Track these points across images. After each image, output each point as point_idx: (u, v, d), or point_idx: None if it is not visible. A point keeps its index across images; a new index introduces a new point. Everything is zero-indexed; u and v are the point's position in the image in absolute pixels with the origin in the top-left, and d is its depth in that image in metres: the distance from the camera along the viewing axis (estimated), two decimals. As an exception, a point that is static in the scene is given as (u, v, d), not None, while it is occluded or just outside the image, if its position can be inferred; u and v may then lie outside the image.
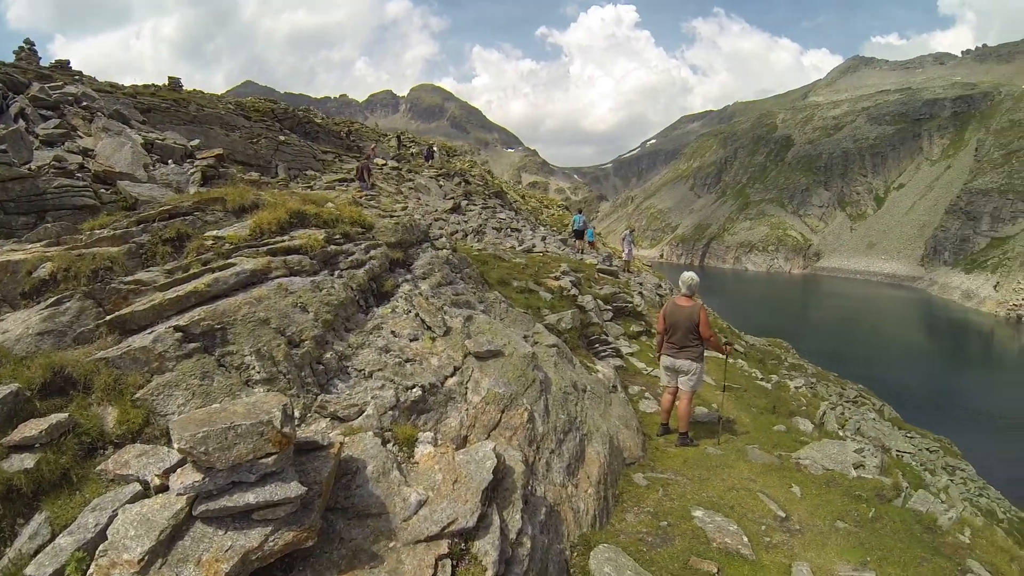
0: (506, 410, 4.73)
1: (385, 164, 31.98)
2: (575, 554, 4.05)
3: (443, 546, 3.05)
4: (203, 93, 36.19)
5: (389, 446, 3.60)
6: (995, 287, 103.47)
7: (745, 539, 4.82)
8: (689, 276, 7.66)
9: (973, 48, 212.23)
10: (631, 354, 11.27)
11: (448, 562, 3.01)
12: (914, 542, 5.56)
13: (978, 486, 18.50)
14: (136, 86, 30.11)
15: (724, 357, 8.38)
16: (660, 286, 23.69)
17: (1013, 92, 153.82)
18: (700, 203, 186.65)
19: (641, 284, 21.19)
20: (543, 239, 25.36)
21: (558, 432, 5.11)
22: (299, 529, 2.65)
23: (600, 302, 13.05)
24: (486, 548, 3.13)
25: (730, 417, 8.79)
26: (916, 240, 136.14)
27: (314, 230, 5.78)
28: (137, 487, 2.93)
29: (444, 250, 7.53)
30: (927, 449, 19.48)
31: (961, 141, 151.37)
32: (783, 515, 5.57)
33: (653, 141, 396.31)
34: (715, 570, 4.25)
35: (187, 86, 34.78)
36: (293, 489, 2.66)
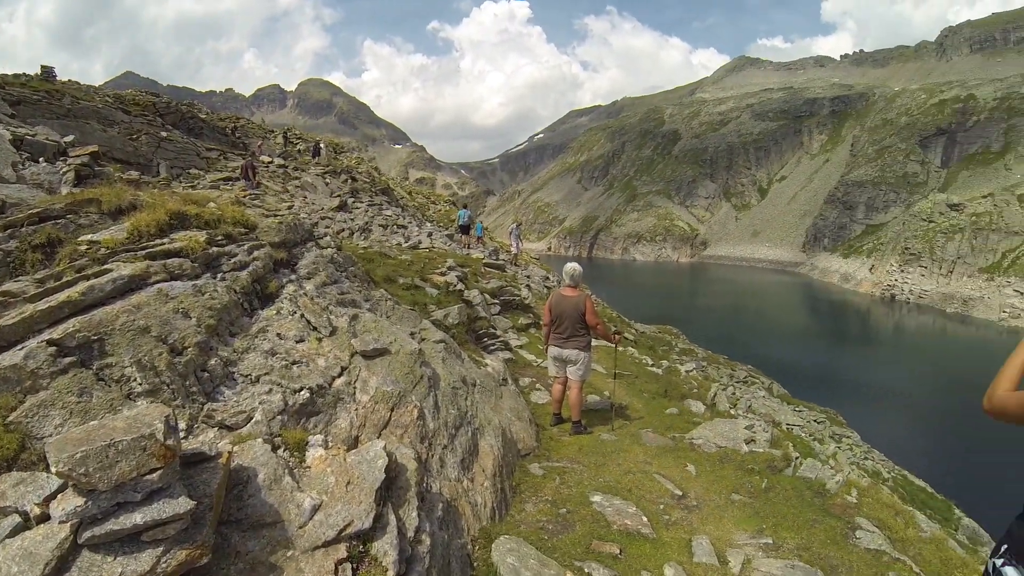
0: (395, 408, 4.69)
1: (271, 162, 30.94)
2: (477, 548, 4.07)
3: (341, 550, 2.99)
4: (79, 84, 33.69)
5: (280, 452, 3.49)
6: (870, 270, 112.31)
7: (645, 519, 4.96)
8: (572, 267, 7.73)
9: (851, 53, 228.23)
10: (520, 347, 11.40)
11: (348, 566, 2.94)
12: (806, 507, 5.92)
13: (863, 451, 20.00)
14: (5, 76, 27.65)
15: (613, 345, 8.58)
16: (548, 278, 24.06)
17: (886, 93, 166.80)
18: (588, 196, 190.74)
19: (528, 277, 21.47)
20: (429, 235, 25.31)
21: (449, 427, 5.11)
22: (192, 547, 2.53)
23: (487, 296, 13.12)
24: (385, 548, 3.09)
25: (623, 403, 9.04)
26: (797, 228, 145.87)
27: (195, 232, 5.50)
28: (17, 519, 2.67)
29: (329, 249, 7.36)
30: (815, 421, 20.79)
31: (839, 137, 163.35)
32: (680, 493, 5.79)
33: (541, 136, 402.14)
34: (617, 551, 4.35)
35: (62, 76, 32.02)
36: (182, 504, 2.53)
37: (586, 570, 3.98)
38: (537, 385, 9.02)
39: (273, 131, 50.50)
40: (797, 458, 7.44)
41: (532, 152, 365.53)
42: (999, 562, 2.21)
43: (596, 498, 5.23)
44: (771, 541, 5.05)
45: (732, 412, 11.47)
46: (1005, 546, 2.23)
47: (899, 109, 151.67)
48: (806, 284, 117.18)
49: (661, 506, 5.42)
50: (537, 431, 7.07)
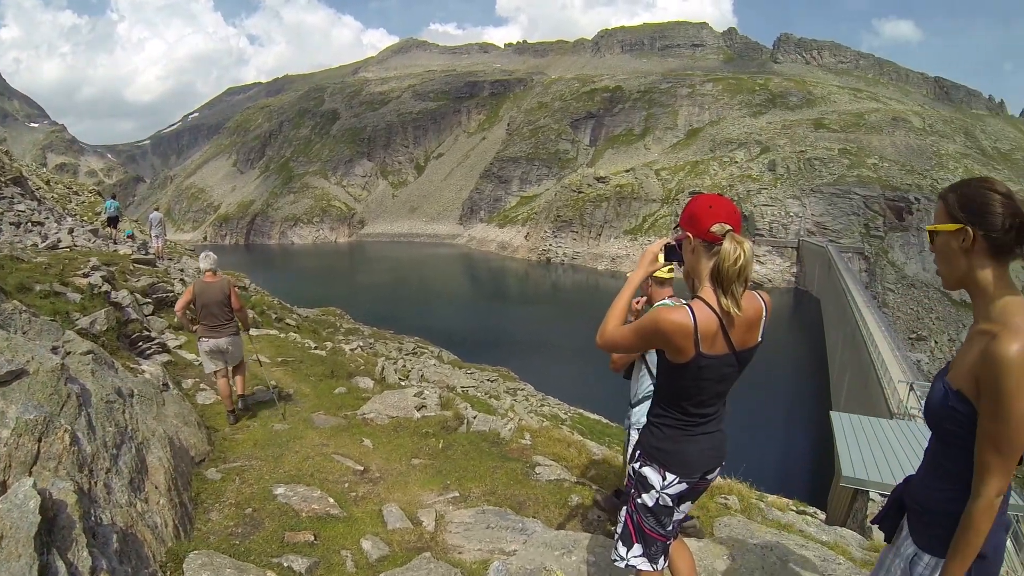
0: (43, 437, 4.08)
1: None
2: (167, 572, 3.79)
3: (4, 617, 2.59)
4: None
5: None
6: (526, 237, 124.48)
7: (332, 500, 5.00)
8: (206, 254, 7.73)
9: (515, 43, 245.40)
10: (179, 347, 10.57)
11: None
12: (485, 457, 6.46)
13: (538, 399, 22.27)
14: None
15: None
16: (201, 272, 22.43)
17: (543, 80, 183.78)
18: (244, 179, 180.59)
19: (182, 271, 19.86)
20: (71, 231, 21.84)
21: (110, 448, 4.59)
22: None
23: (138, 296, 11.90)
24: (57, 600, 2.75)
25: (290, 391, 8.93)
26: (454, 202, 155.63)
27: None
28: None
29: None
30: (488, 380, 22.45)
31: (496, 117, 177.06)
32: (362, 468, 5.93)
33: (196, 115, 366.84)
34: (312, 537, 4.35)
35: None
36: None
37: (285, 564, 3.94)
38: (202, 386, 8.47)
39: None
40: (469, 416, 8.08)
41: (186, 133, 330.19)
42: (637, 465, 2.70)
43: (280, 490, 5.14)
44: (458, 494, 5.46)
45: (404, 384, 11.93)
46: (639, 451, 2.72)
47: (554, 94, 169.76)
48: (465, 254, 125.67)
49: (346, 484, 5.52)
50: (208, 434, 6.67)
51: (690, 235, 2.48)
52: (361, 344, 19.70)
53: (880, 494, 14.00)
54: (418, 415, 7.83)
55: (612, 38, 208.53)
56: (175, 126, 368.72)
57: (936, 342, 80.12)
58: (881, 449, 15.79)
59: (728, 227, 2.37)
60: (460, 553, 4.35)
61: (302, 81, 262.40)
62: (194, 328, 7.57)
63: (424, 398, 8.55)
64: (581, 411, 21.88)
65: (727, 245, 2.32)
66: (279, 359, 10.05)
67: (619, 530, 2.83)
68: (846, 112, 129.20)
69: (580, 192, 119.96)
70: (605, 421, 20.57)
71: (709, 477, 2.75)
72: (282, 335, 14.41)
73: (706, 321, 2.34)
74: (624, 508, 2.83)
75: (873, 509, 13.97)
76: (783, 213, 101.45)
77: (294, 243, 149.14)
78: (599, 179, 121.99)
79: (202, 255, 7.74)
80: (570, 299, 75.32)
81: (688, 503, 2.85)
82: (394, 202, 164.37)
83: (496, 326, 58.63)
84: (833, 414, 18.66)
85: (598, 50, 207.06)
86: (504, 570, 3.74)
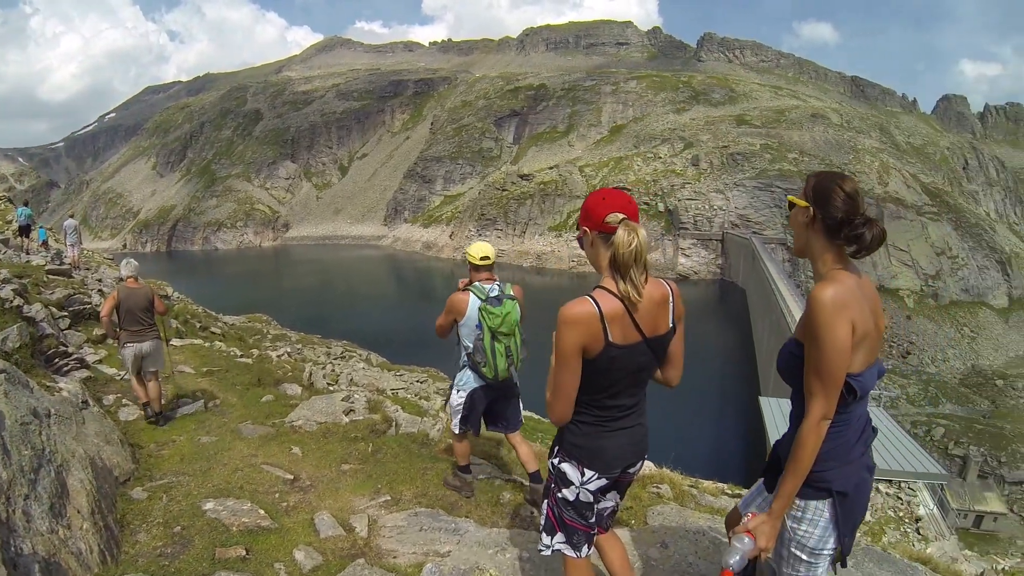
0: (-44, 466, 3.96)
1: None
2: (93, 599, 3.70)
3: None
4: None
5: None
6: (450, 236, 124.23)
7: (262, 512, 4.93)
8: (127, 260, 7.94)
9: (440, 41, 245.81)
10: (98, 362, 10.17)
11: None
12: (414, 459, 6.45)
13: None
14: None
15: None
16: (122, 279, 21.59)
17: (467, 78, 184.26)
18: (164, 183, 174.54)
19: (100, 281, 19.07)
20: None
21: (27, 473, 4.43)
22: None
23: (54, 309, 11.38)
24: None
25: (216, 401, 8.76)
26: (379, 203, 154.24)
27: None
28: None
29: None
30: (417, 381, 22.34)
31: (420, 116, 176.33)
32: (291, 477, 5.87)
33: (113, 115, 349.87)
34: (244, 552, 4.29)
35: None
36: None
37: (217, 581, 3.90)
38: (124, 401, 8.21)
39: None
40: (404, 419, 8.08)
41: (103, 134, 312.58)
42: (556, 461, 2.78)
43: (209, 505, 5.05)
44: (389, 497, 5.45)
45: (332, 389, 11.81)
46: (557, 447, 2.79)
47: (479, 92, 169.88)
48: (390, 255, 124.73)
49: (276, 494, 5.45)
50: (133, 451, 6.49)
51: (587, 229, 2.56)
52: (289, 350, 19.33)
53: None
54: (346, 420, 7.79)
55: (537, 36, 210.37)
56: (91, 127, 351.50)
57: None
58: (809, 429, 16.48)
59: (622, 216, 2.46)
60: (394, 557, 4.37)
61: (224, 80, 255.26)
62: (118, 334, 7.60)
63: (352, 402, 8.50)
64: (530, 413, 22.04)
65: (620, 232, 2.40)
66: (204, 369, 9.80)
67: (543, 521, 2.91)
68: (767, 108, 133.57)
69: (504, 190, 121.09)
70: (537, 417, 20.78)
71: (631, 471, 2.83)
72: (207, 344, 14.06)
73: (610, 308, 2.41)
74: (545, 501, 2.90)
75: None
76: (707, 207, 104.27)
77: (218, 249, 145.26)
78: (523, 176, 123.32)
79: (124, 262, 7.91)
80: (498, 297, 76.56)
81: (615, 494, 2.93)
82: (318, 204, 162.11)
83: (424, 327, 58.23)
84: (762, 399, 19.38)
85: (523, 48, 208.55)
86: (437, 572, 3.80)
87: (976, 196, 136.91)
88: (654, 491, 6.64)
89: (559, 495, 2.79)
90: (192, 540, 4.48)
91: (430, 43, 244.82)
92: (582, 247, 2.66)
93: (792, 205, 2.41)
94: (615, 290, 2.45)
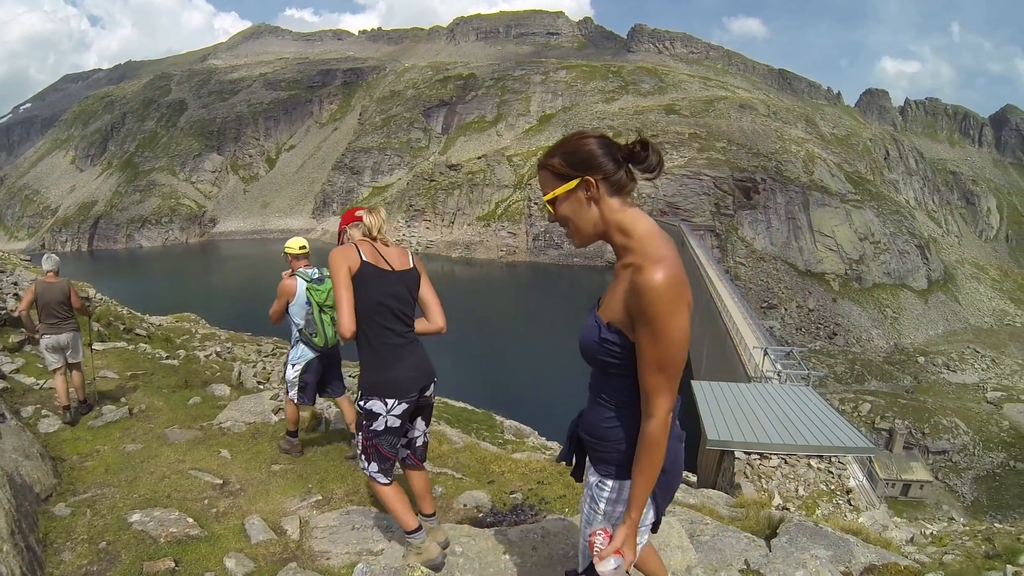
0: None
1: None
2: (15, 625, 3.57)
3: None
4: None
5: None
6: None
7: (191, 520, 4.79)
8: (48, 255, 7.97)
9: (369, 30, 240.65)
10: (15, 371, 9.67)
11: None
12: (346, 454, 6.46)
13: None
14: None
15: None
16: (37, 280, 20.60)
17: (396, 68, 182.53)
18: (84, 178, 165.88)
19: (16, 284, 18.21)
20: None
21: (-59, 491, 4.27)
22: None
23: (-35, 317, 10.91)
24: None
25: (142, 406, 8.50)
26: (307, 196, 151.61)
27: None
28: None
29: None
30: (350, 376, 22.08)
31: (348, 106, 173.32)
32: (220, 482, 5.73)
33: (29, 105, 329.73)
34: (173, 564, 4.18)
35: None
36: None
37: (144, 596, 3.82)
38: (44, 411, 7.86)
39: None
40: (333, 415, 8.03)
41: (17, 126, 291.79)
42: (362, 403, 3.45)
43: (135, 517, 4.90)
44: (321, 497, 5.40)
45: (263, 387, 11.61)
46: (360, 391, 3.46)
47: (407, 82, 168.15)
48: (321, 249, 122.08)
49: (205, 501, 5.33)
50: (54, 465, 6.24)
51: (345, 227, 3.83)
52: (218, 349, 18.87)
53: (744, 452, 15.10)
54: (276, 419, 7.68)
55: (468, 26, 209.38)
56: (5, 118, 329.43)
57: (786, 309, 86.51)
58: (742, 411, 17.04)
59: (365, 211, 3.62)
60: (328, 559, 4.35)
61: (148, 68, 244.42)
62: (37, 329, 7.62)
63: (281, 401, 8.38)
64: (446, 399, 22.08)
65: (366, 217, 3.57)
66: (128, 373, 9.50)
67: (359, 450, 3.54)
68: (696, 99, 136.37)
69: (432, 180, 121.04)
70: (471, 408, 20.91)
71: (427, 394, 3.62)
72: (131, 347, 13.59)
73: (362, 243, 3.44)
74: (360, 434, 3.49)
75: (740, 467, 15.03)
76: (636, 195, 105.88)
77: (142, 246, 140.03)
78: (451, 167, 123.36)
79: (44, 256, 7.90)
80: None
81: (420, 421, 3.76)
82: (245, 198, 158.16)
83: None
84: (694, 383, 19.77)
85: (454, 38, 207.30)
86: (368, 571, 3.80)
87: (897, 185, 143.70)
88: (590, 478, 6.76)
89: (371, 429, 3.41)
90: (119, 555, 4.37)
91: (360, 32, 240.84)
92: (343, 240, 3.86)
93: (554, 202, 2.14)
94: (367, 242, 3.48)
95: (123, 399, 8.38)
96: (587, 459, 2.45)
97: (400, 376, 3.39)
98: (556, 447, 16.95)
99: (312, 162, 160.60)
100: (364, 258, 3.32)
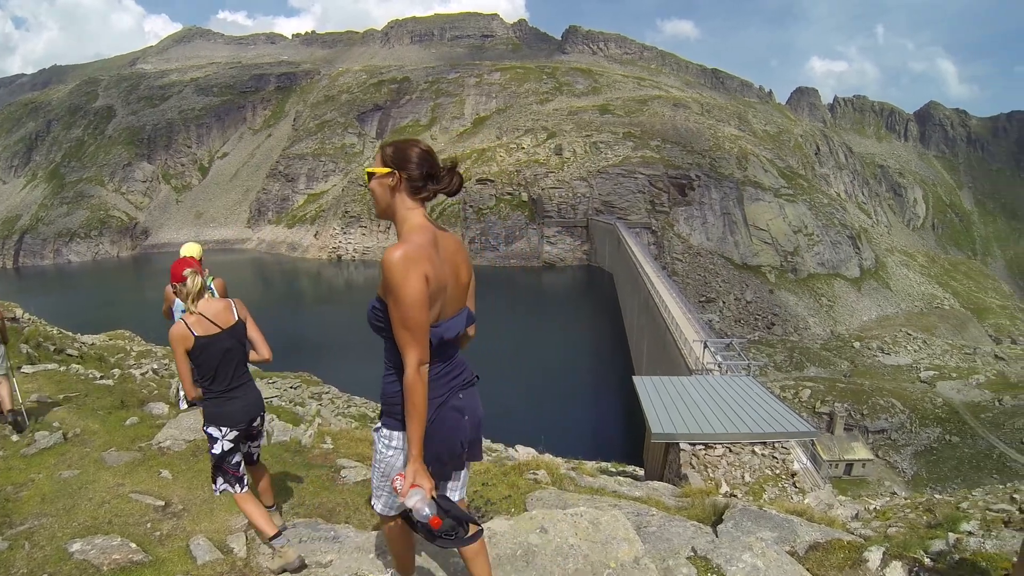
0: None
1: None
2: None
3: None
4: None
5: None
6: (316, 236, 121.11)
7: (134, 546, 4.69)
8: None
9: (303, 33, 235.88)
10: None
11: None
12: (289, 467, 6.47)
13: (345, 400, 22.17)
14: None
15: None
16: (-27, 300, 19.81)
17: (330, 72, 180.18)
18: (7, 190, 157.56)
19: (-66, 308, 17.42)
20: None
21: None
22: None
23: None
24: None
25: (77, 430, 8.23)
26: (241, 204, 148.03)
27: None
28: None
29: None
30: (291, 387, 21.85)
31: (282, 112, 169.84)
32: (162, 503, 5.62)
33: None
34: None
35: None
36: None
37: (88, 627, 3.74)
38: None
39: None
40: (275, 428, 7.95)
41: None
42: (204, 428, 4.33)
43: (76, 546, 4.77)
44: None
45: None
46: (203, 421, 4.31)
47: (341, 87, 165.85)
48: (256, 259, 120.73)
49: (148, 524, 5.21)
50: (-16, 497, 6.04)
51: (176, 285, 4.35)
52: (155, 367, 18.32)
53: (689, 444, 15.42)
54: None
55: (402, 29, 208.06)
56: None
57: (724, 302, 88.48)
58: (685, 403, 17.30)
59: (191, 270, 4.26)
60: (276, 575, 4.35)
61: (74, 72, 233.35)
62: None
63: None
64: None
65: (189, 280, 4.24)
66: (61, 396, 9.19)
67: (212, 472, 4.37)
68: (630, 98, 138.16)
69: (367, 186, 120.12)
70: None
71: (255, 424, 4.53)
72: (63, 368, 13.08)
73: (190, 319, 4.19)
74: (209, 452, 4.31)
75: (686, 459, 15.34)
76: (571, 195, 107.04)
77: (71, 261, 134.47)
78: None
79: None
80: (364, 296, 75.27)
81: (253, 441, 4.63)
82: (178, 208, 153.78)
83: (294, 331, 57.44)
84: (635, 379, 19.95)
85: (388, 41, 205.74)
86: (317, 585, 3.82)
87: (827, 179, 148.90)
88: (531, 477, 6.84)
89: (212, 452, 4.28)
90: (60, 589, 4.27)
91: (294, 35, 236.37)
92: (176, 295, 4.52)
93: (371, 176, 2.71)
94: (190, 313, 4.26)
95: (56, 424, 8.12)
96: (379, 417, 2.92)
97: (233, 410, 4.30)
98: (500, 448, 17.00)
99: (246, 170, 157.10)
100: (196, 334, 4.12)
